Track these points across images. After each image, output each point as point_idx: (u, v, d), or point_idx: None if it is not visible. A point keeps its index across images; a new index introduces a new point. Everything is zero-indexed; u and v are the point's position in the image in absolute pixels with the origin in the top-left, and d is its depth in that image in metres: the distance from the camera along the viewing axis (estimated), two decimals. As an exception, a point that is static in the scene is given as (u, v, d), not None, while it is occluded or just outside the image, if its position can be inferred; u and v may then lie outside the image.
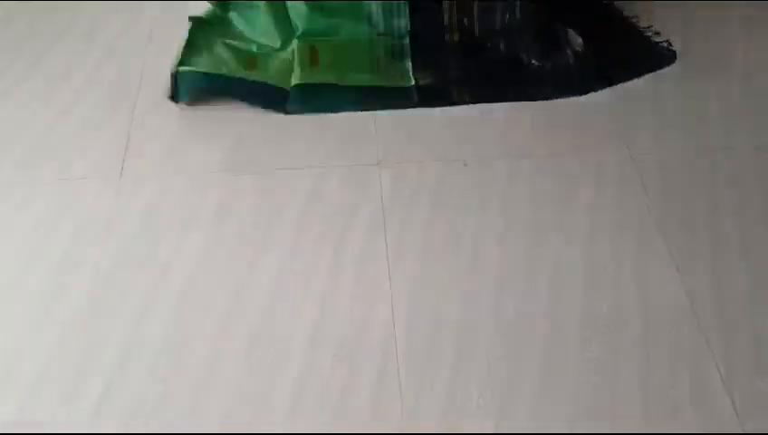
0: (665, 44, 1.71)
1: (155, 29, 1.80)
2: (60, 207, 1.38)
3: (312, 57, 1.68)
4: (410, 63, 1.69)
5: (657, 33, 1.73)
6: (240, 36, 1.75)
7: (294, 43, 1.71)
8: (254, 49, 1.72)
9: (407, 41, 1.72)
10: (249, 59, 1.69)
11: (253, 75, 1.64)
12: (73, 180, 1.43)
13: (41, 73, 1.70)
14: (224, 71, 1.63)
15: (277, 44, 1.73)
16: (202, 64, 1.64)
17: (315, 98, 1.60)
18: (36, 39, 1.80)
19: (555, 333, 1.17)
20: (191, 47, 1.67)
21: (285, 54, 1.70)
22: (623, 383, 1.11)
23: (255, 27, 1.75)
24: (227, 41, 1.72)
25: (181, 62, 1.62)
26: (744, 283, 1.25)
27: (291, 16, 1.74)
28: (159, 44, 1.74)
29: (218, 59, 1.67)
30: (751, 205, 1.37)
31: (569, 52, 1.69)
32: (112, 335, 1.18)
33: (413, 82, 1.65)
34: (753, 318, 1.20)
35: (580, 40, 1.69)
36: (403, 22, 1.73)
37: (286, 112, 1.57)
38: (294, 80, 1.62)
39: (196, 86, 1.60)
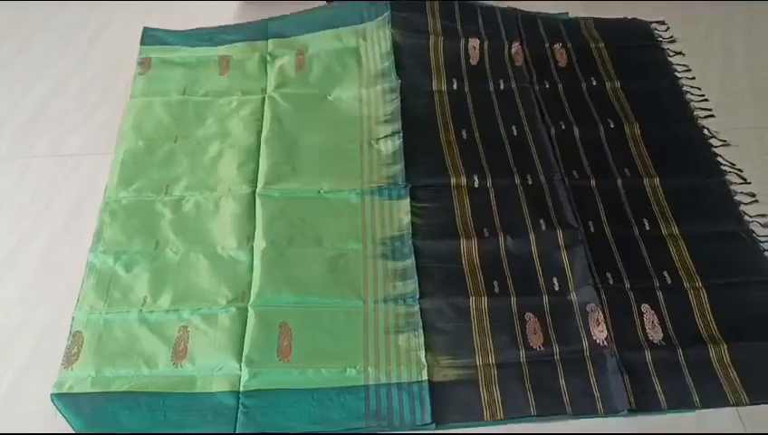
0: None
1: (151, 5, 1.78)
2: (54, 181, 1.43)
3: (280, 341, 1.14)
4: (420, 315, 1.21)
5: None
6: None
7: (251, 306, 1.20)
8: (186, 315, 1.19)
9: (417, 307, 1.23)
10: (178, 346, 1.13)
11: (179, 383, 1.11)
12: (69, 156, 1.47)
13: (36, 48, 1.71)
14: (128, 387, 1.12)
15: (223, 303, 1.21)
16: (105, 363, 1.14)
17: (274, 411, 1.07)
18: (32, 13, 1.79)
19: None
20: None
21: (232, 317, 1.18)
22: None
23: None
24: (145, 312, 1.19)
25: (60, 384, 1.11)
26: None
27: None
28: (157, 20, 1.70)
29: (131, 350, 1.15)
30: None
31: None
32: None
33: (426, 377, 1.12)
34: None
35: None
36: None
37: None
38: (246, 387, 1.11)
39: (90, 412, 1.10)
